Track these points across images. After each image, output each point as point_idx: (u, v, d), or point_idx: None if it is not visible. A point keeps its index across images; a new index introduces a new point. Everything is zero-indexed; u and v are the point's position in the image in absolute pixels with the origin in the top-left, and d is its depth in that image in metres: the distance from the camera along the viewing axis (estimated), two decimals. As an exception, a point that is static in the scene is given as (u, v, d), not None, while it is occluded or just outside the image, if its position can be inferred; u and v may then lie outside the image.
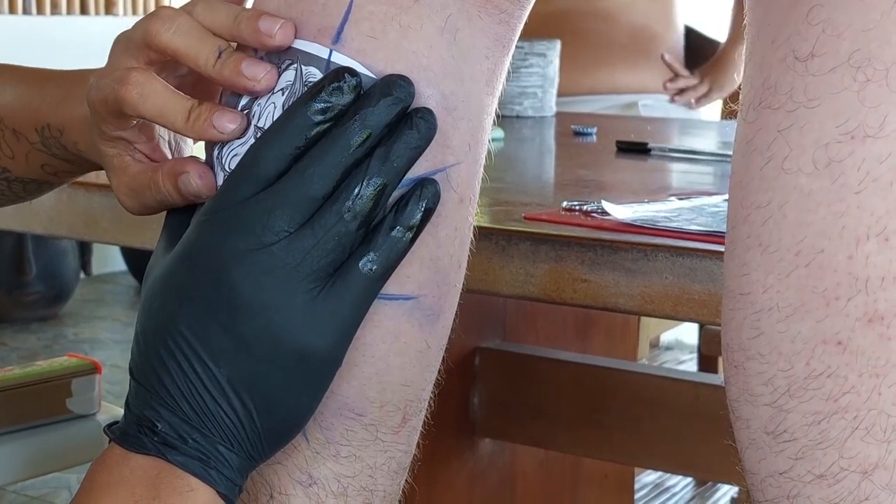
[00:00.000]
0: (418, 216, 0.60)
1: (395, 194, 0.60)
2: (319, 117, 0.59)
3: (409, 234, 0.60)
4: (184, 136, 0.64)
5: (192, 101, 0.63)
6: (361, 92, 0.59)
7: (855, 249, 0.49)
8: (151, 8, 4.47)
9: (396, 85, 0.59)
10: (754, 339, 0.53)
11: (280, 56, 0.62)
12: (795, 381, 0.52)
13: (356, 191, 0.58)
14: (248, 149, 0.60)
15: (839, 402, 0.50)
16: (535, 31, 2.13)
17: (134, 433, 0.58)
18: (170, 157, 0.69)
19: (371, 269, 0.59)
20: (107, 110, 0.65)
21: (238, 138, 0.62)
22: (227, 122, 0.62)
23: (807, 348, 0.51)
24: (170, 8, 0.64)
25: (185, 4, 0.64)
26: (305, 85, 0.60)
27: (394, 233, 0.59)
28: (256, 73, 0.61)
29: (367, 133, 0.58)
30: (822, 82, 0.50)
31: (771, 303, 0.52)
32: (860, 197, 0.49)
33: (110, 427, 0.59)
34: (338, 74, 0.59)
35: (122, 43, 0.66)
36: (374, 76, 0.60)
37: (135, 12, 4.43)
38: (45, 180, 0.78)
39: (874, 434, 0.50)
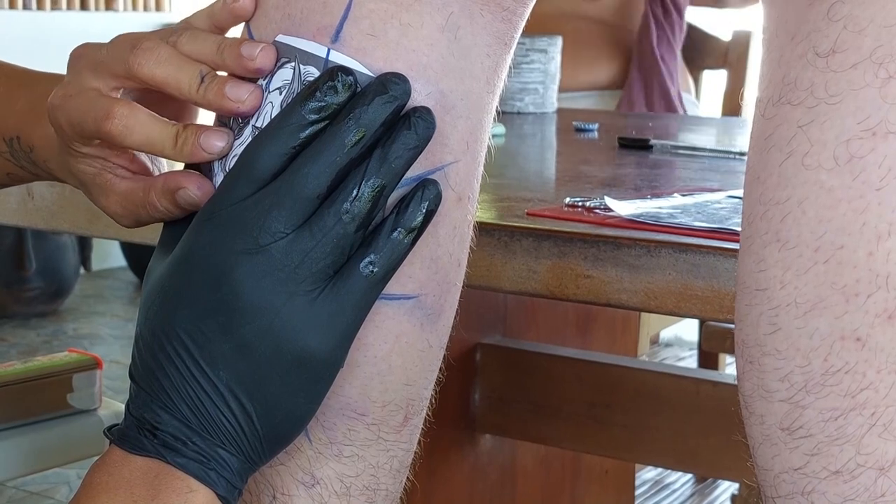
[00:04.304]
0: (419, 218, 0.59)
1: (395, 194, 0.60)
2: (314, 116, 0.58)
3: (411, 237, 0.59)
4: (174, 161, 0.64)
5: (177, 127, 0.63)
6: (357, 91, 0.59)
7: (875, 246, 0.49)
8: (151, 4, 4.46)
9: (391, 83, 0.59)
10: (771, 334, 0.53)
11: (277, 55, 0.62)
12: (813, 377, 0.51)
13: (354, 192, 0.58)
14: (244, 148, 0.60)
15: (857, 399, 0.50)
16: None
17: (134, 434, 0.57)
18: (148, 163, 0.68)
19: (372, 272, 0.58)
20: (75, 133, 0.65)
21: (237, 139, 0.62)
22: (216, 142, 0.62)
23: (825, 344, 0.51)
24: (150, 38, 0.64)
25: (169, 36, 0.64)
26: (303, 84, 0.60)
27: (394, 235, 0.59)
28: (240, 94, 0.61)
29: (361, 132, 0.58)
30: (843, 78, 0.50)
31: (789, 299, 0.52)
32: (881, 193, 0.49)
33: (110, 429, 0.59)
34: (332, 73, 0.59)
35: (88, 61, 0.65)
36: (372, 75, 0.60)
37: (135, 8, 4.42)
38: (7, 184, 0.78)
39: (892, 431, 0.50)
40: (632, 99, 2.41)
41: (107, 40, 0.67)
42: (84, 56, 0.66)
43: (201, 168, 0.64)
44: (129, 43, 0.63)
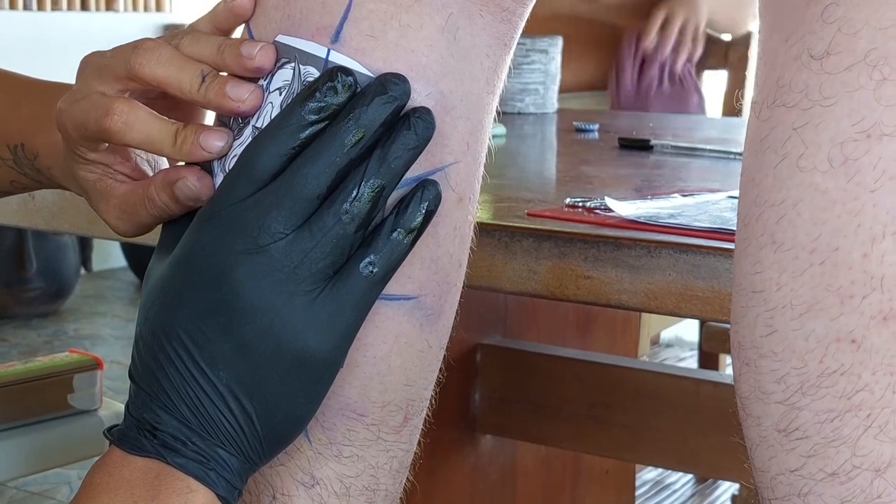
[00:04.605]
0: (419, 219, 0.60)
1: (395, 195, 0.60)
2: (314, 117, 0.59)
3: (410, 237, 0.59)
4: (173, 159, 0.64)
5: (177, 125, 0.63)
6: (357, 91, 0.59)
7: (870, 247, 0.49)
8: (151, 4, 4.46)
9: (391, 83, 0.59)
10: (767, 336, 0.53)
11: (277, 55, 0.62)
12: (808, 378, 0.51)
13: (354, 192, 0.58)
14: (244, 149, 0.60)
15: (852, 400, 0.50)
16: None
17: (133, 435, 0.57)
18: (150, 172, 0.69)
19: (371, 272, 0.59)
20: (80, 135, 0.65)
21: (237, 139, 0.62)
22: (215, 141, 0.62)
23: (820, 346, 0.51)
24: (152, 40, 0.64)
25: (172, 39, 0.64)
26: (303, 84, 0.60)
27: (394, 235, 0.59)
28: (241, 93, 0.61)
29: (360, 133, 0.58)
30: (837, 81, 0.50)
31: (785, 301, 0.52)
32: (876, 195, 0.49)
33: (110, 430, 0.59)
34: (332, 74, 0.59)
35: (94, 67, 0.66)
36: (371, 75, 0.60)
37: (135, 8, 4.42)
38: (10, 192, 0.78)
39: (887, 432, 0.50)
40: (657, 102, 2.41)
41: (107, 41, 0.68)
42: (90, 63, 0.66)
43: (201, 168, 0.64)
44: (131, 45, 0.64)
